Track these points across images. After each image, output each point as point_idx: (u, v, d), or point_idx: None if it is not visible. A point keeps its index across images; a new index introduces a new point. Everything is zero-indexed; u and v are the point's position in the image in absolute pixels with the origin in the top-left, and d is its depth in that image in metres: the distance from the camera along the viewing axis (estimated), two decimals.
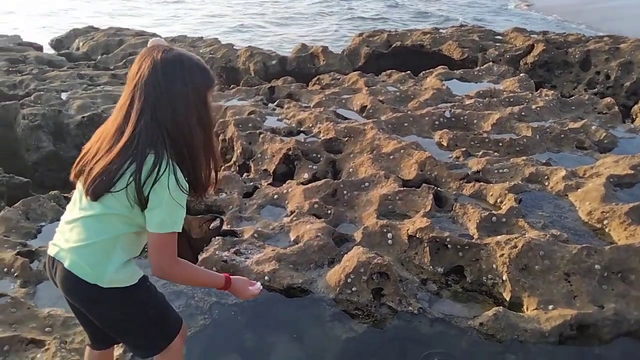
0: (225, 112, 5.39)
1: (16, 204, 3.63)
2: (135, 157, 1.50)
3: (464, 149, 4.24)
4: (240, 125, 4.90)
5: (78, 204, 1.63)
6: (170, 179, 1.51)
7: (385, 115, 4.96)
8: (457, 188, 3.66)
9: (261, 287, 1.88)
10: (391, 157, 4.04)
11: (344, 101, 5.62)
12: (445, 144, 4.42)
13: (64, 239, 1.63)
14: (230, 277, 1.79)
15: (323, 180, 3.80)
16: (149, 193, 1.50)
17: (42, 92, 6.05)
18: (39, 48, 9.18)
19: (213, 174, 1.67)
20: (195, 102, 1.57)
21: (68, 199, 3.86)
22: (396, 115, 4.89)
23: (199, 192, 1.64)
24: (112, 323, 1.70)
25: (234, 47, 9.19)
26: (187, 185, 1.56)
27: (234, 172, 4.35)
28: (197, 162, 1.59)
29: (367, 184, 3.72)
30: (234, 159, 4.74)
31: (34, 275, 2.93)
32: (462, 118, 4.84)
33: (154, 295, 1.76)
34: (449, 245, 2.94)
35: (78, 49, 9.36)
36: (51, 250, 1.67)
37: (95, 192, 1.54)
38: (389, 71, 6.67)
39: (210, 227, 3.24)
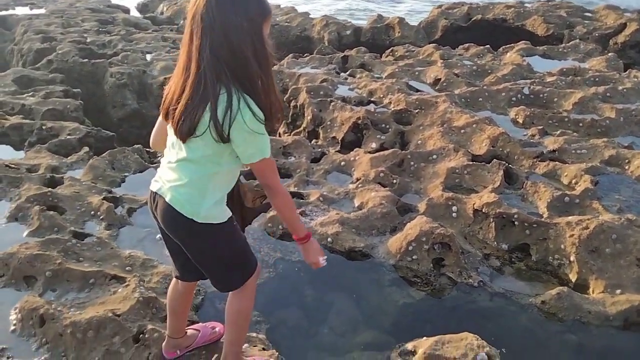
0: (298, 79, 5.48)
1: (103, 154, 3.92)
2: (207, 97, 1.55)
3: (540, 127, 4.07)
4: (311, 93, 4.97)
5: (173, 146, 1.74)
6: (245, 114, 1.55)
7: (460, 89, 4.85)
8: (530, 166, 3.55)
9: (326, 263, 1.92)
10: (462, 131, 3.97)
11: (417, 73, 5.54)
12: (520, 121, 4.27)
13: (165, 177, 1.76)
14: (311, 236, 1.87)
15: (390, 150, 3.81)
16: (229, 131, 1.56)
17: (128, 53, 6.41)
18: (127, 11, 9.67)
19: (276, 107, 1.64)
20: (249, 33, 1.55)
21: (150, 154, 4.13)
22: (471, 89, 4.76)
23: (267, 122, 1.64)
24: (203, 256, 1.83)
25: (310, 16, 9.22)
26: (262, 114, 1.58)
27: (303, 138, 4.44)
28: (257, 94, 1.58)
29: (435, 156, 3.69)
30: (304, 125, 4.84)
31: (118, 219, 3.19)
32: (541, 95, 4.64)
33: (239, 234, 1.89)
34: (516, 222, 2.88)
35: (162, 13, 9.76)
36: (153, 186, 1.80)
37: (182, 135, 1.62)
38: (466, 45, 6.47)
39: (263, 202, 3.39)
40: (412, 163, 3.68)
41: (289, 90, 5.24)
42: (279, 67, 6.05)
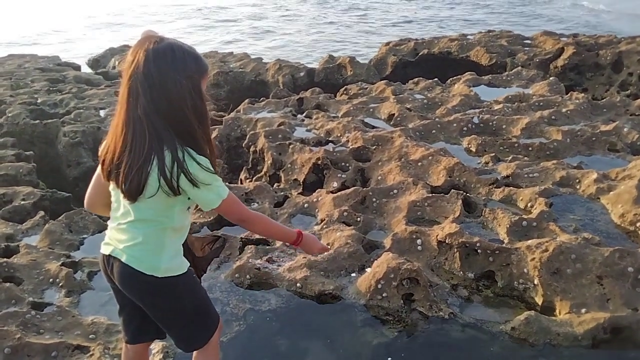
0: (256, 124, 5.52)
1: (60, 217, 3.81)
2: (151, 154, 1.57)
3: (493, 154, 4.23)
4: (270, 137, 5.01)
5: (120, 206, 1.73)
6: (191, 165, 1.58)
7: (413, 122, 4.99)
8: (487, 193, 3.66)
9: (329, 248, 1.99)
10: (419, 164, 4.07)
11: (371, 110, 5.68)
12: (473, 150, 4.43)
13: (117, 239, 1.74)
14: (302, 232, 1.92)
15: (352, 189, 3.86)
16: (179, 185, 1.59)
17: (81, 110, 6.34)
18: (77, 68, 9.59)
19: (214, 156, 1.70)
20: (188, 90, 1.59)
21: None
22: (424, 122, 4.91)
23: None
24: (164, 312, 1.80)
25: (263, 61, 9.38)
26: (207, 160, 1.63)
27: (265, 183, 4.45)
28: (198, 146, 1.63)
29: (395, 191, 3.76)
30: (264, 169, 4.85)
31: (78, 285, 3.08)
32: (490, 123, 4.83)
33: (199, 286, 1.90)
34: (479, 251, 2.94)
35: (114, 67, 9.73)
36: (105, 250, 1.78)
37: (131, 196, 1.63)
38: (416, 79, 6.70)
39: (212, 247, 3.36)
40: (374, 199, 3.73)
41: (247, 136, 5.27)
42: (235, 113, 6.10)
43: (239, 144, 5.43)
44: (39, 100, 7.08)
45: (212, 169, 1.63)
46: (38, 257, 3.31)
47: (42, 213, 4.00)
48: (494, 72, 7.04)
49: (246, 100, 6.60)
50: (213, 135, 5.42)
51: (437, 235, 3.09)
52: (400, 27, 18.21)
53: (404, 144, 4.37)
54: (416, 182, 3.77)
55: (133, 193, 1.61)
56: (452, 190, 3.57)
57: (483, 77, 6.47)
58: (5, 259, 3.26)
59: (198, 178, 1.59)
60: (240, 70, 8.90)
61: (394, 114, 5.31)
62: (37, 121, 6.15)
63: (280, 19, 22.64)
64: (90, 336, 2.64)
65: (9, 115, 6.35)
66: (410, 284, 2.77)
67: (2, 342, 2.53)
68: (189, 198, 1.68)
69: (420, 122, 4.94)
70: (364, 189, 3.87)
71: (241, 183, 4.91)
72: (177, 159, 1.57)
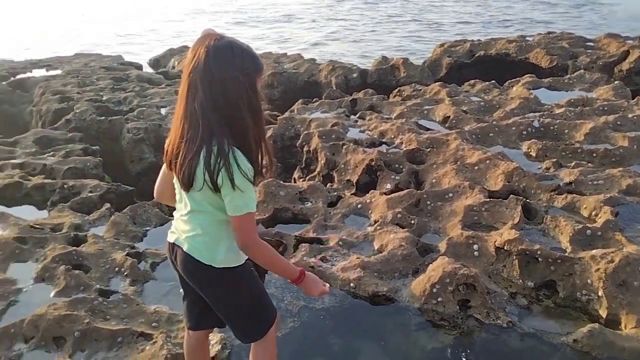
0: (310, 124, 5.58)
1: (124, 210, 3.99)
2: (200, 149, 1.62)
3: (554, 159, 4.10)
4: (323, 137, 5.05)
5: (181, 198, 1.81)
6: (234, 169, 1.61)
7: (469, 125, 4.91)
8: (548, 200, 3.55)
9: (329, 289, 1.94)
10: (476, 167, 4.00)
11: (425, 112, 5.62)
12: (534, 155, 4.30)
13: (180, 229, 1.83)
14: (305, 271, 1.87)
15: (406, 191, 3.84)
16: (217, 181, 1.63)
17: (144, 108, 6.60)
18: (139, 67, 9.99)
19: (266, 159, 1.71)
20: (245, 87, 1.63)
21: (170, 207, 4.20)
22: (481, 125, 4.82)
23: (256, 176, 1.69)
24: (222, 302, 1.87)
25: (316, 62, 9.46)
26: (251, 169, 1.65)
27: (319, 182, 4.49)
28: (248, 147, 1.65)
29: (451, 194, 3.71)
30: (318, 169, 4.90)
31: (141, 274, 3.22)
32: (552, 128, 4.68)
33: (257, 279, 1.93)
34: (539, 259, 2.87)
35: (174, 67, 10.07)
36: (170, 237, 1.88)
37: (185, 186, 1.70)
38: (472, 81, 6.58)
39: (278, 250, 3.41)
40: (428, 202, 3.69)
41: (301, 136, 5.34)
42: (289, 113, 6.18)
43: (293, 143, 5.50)
44: (104, 98, 7.44)
45: (251, 177, 1.65)
46: (105, 246, 3.49)
47: (107, 205, 4.20)
48: (554, 75, 6.81)
49: (300, 101, 6.68)
50: (267, 135, 5.60)
51: (495, 241, 3.03)
52: (455, 28, 17.87)
53: (459, 147, 4.30)
54: (473, 186, 3.70)
55: (185, 183, 1.68)
56: (511, 195, 3.49)
57: (543, 79, 6.27)
58: (74, 248, 3.45)
59: (235, 180, 1.61)
60: (294, 71, 9.01)
61: (449, 116, 5.24)
62: (103, 118, 6.47)
63: (333, 20, 22.73)
64: (153, 324, 2.76)
65: (77, 111, 6.70)
66: (466, 289, 2.73)
67: (72, 326, 2.68)
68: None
69: (477, 124, 4.85)
70: (418, 191, 3.84)
71: (294, 182, 4.98)
72: (223, 154, 1.61)
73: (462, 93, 6.12)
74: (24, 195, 4.63)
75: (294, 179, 5.22)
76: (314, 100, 6.88)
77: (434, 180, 4.06)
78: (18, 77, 9.53)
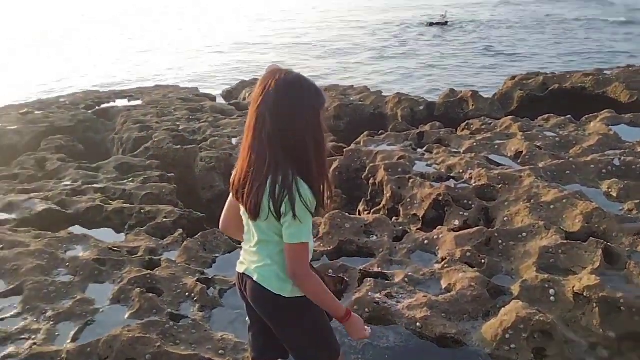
0: (376, 157, 5.59)
1: (196, 236, 4.15)
2: (266, 179, 1.67)
3: (637, 201, 3.84)
4: (390, 170, 5.04)
5: (249, 229, 1.86)
6: (295, 197, 1.65)
7: (544, 162, 4.72)
8: (631, 244, 3.32)
9: (369, 335, 1.92)
10: (552, 206, 3.83)
11: (496, 147, 5.48)
12: (614, 195, 4.06)
13: (249, 259, 1.88)
14: (351, 312, 1.87)
15: (476, 228, 3.73)
16: (281, 209, 1.67)
17: (216, 138, 6.88)
18: (213, 99, 10.48)
19: (328, 191, 1.75)
20: (311, 121, 1.69)
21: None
22: (556, 162, 4.62)
23: (317, 207, 1.73)
24: (288, 332, 1.89)
25: (382, 94, 9.52)
26: (313, 200, 1.69)
27: (384, 216, 4.46)
28: (312, 179, 1.69)
29: (524, 234, 3.56)
30: (383, 202, 4.87)
31: (210, 300, 3.31)
32: (634, 167, 4.41)
33: (323, 311, 1.91)
34: (622, 308, 2.67)
35: (244, 98, 10.48)
36: (240, 268, 1.93)
37: (252, 215, 1.75)
38: (546, 115, 6.35)
39: (335, 287, 3.39)
40: (500, 241, 3.56)
41: (367, 168, 5.35)
42: (355, 145, 6.22)
43: (359, 175, 5.52)
44: (180, 128, 7.84)
45: (312, 208, 1.68)
46: (177, 271, 3.62)
47: (180, 231, 4.38)
48: (635, 111, 6.44)
49: (365, 133, 6.71)
50: (334, 166, 5.66)
51: (573, 287, 2.86)
52: (527, 61, 17.43)
53: (534, 184, 4.14)
54: (548, 226, 3.54)
55: (253, 212, 1.73)
56: (591, 238, 3.30)
57: (623, 115, 5.96)
58: (149, 271, 3.61)
59: (296, 210, 1.65)
60: (360, 103, 9.11)
61: (521, 152, 5.07)
62: (179, 146, 6.80)
63: (400, 51, 22.85)
64: (220, 351, 2.81)
65: (155, 139, 7.10)
66: (542, 337, 2.59)
67: (144, 349, 2.78)
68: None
69: (552, 161, 4.66)
70: (489, 229, 3.72)
71: (359, 214, 4.97)
72: (287, 184, 1.66)
73: (536, 128, 5.92)
74: (104, 218, 4.92)
75: (359, 211, 5.22)
76: (380, 132, 6.90)
77: (505, 219, 3.92)
78: (103, 106, 10.26)
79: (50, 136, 7.89)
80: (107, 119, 9.48)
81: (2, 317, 3.23)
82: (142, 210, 4.86)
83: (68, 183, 5.74)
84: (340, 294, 3.35)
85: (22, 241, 4.10)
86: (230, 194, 1.94)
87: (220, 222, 2.08)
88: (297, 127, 1.67)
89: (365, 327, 1.93)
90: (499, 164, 4.97)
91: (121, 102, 10.58)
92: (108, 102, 10.61)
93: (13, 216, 4.86)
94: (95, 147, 8.50)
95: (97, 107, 10.12)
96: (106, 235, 4.62)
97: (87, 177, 5.96)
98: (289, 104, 1.67)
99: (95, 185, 5.63)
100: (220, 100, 11.02)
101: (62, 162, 6.48)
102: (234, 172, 1.84)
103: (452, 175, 4.88)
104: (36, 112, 9.61)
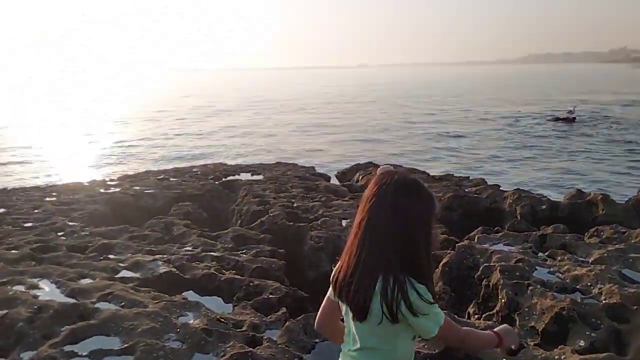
0: (491, 256, 5.30)
1: (298, 318, 4.15)
2: (376, 278, 1.66)
3: None
4: (506, 273, 4.73)
5: (351, 331, 1.81)
6: (412, 295, 1.63)
7: None
8: None
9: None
10: None
11: (631, 261, 4.92)
12: None
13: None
14: (496, 331, 1.96)
15: (605, 354, 3.30)
16: (399, 311, 1.65)
17: (327, 218, 7.03)
18: (328, 179, 10.85)
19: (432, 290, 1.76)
20: (424, 224, 1.71)
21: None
22: None
23: None
24: None
25: (500, 189, 9.17)
26: (428, 293, 1.67)
27: (496, 323, 4.13)
28: (424, 277, 1.70)
29: None
30: (497, 308, 4.54)
31: None
32: None
33: None
34: None
35: (357, 181, 10.71)
36: None
37: (357, 316, 1.72)
38: None
39: None
40: None
41: (481, 268, 5.07)
42: (469, 242, 5.97)
43: (470, 274, 5.24)
44: (294, 205, 8.16)
45: (430, 298, 1.67)
46: (276, 352, 3.63)
47: (284, 309, 4.42)
48: None
49: (479, 228, 6.44)
50: (443, 261, 5.44)
51: None
52: None
53: None
54: None
55: (359, 312, 1.70)
56: None
57: None
58: (250, 349, 3.65)
59: (417, 307, 1.64)
60: (476, 195, 8.83)
61: None
62: (292, 223, 7.05)
63: (522, 145, 22.11)
64: None
65: (271, 214, 7.43)
66: None
67: None
68: (409, 325, 1.70)
69: None
70: (622, 357, 3.27)
71: (468, 317, 4.67)
72: (399, 285, 1.64)
73: None
74: (216, 287, 5.15)
75: (468, 313, 4.91)
76: (496, 229, 6.57)
77: None
78: (229, 178, 11.11)
79: (180, 202, 8.65)
80: (230, 191, 10.19)
81: None
82: (251, 284, 5.01)
83: (189, 249, 6.16)
84: None
85: (142, 301, 4.41)
86: (329, 291, 1.94)
87: (316, 321, 2.08)
88: (412, 228, 1.69)
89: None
90: (633, 281, 4.44)
91: (245, 176, 11.36)
92: (233, 175, 11.47)
93: (137, 275, 5.27)
94: (217, 216, 9.11)
95: (223, 179, 10.96)
96: (216, 304, 4.80)
97: (206, 244, 6.35)
98: (407, 206, 1.69)
99: (212, 254, 5.96)
100: (334, 181, 11.37)
101: (187, 228, 7.01)
102: (335, 268, 1.85)
103: (577, 287, 4.44)
104: (171, 179, 10.67)
